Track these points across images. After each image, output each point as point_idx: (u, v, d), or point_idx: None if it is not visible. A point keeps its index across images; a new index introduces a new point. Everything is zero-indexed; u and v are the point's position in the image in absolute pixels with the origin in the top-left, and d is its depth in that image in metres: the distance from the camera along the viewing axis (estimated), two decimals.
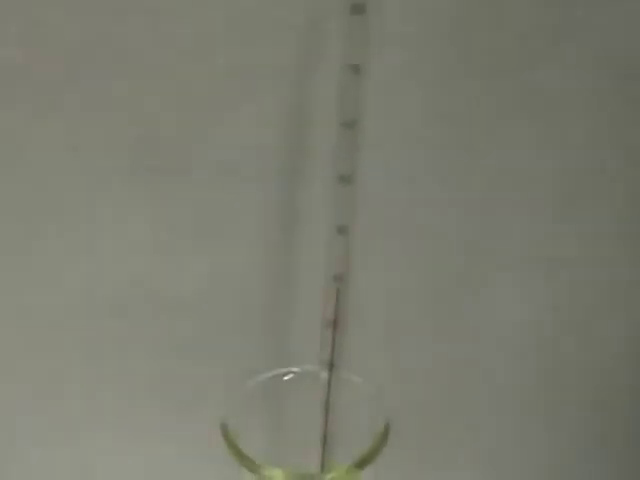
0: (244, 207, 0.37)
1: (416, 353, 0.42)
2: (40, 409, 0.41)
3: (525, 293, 0.42)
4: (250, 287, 0.39)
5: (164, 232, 0.37)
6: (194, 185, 0.37)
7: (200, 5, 0.33)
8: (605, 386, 0.44)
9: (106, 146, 0.35)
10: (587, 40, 0.35)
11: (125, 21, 0.33)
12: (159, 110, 0.35)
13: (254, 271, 0.39)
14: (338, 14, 0.25)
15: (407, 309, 0.41)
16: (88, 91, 0.34)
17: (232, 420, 0.30)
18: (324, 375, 0.31)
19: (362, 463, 0.30)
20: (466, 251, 0.40)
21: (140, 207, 0.37)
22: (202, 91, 0.35)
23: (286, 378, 0.33)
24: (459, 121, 0.37)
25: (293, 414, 0.33)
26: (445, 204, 0.39)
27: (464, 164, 0.37)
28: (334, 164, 0.29)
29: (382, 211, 0.37)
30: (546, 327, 0.42)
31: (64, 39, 0.33)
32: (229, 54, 0.34)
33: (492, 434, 0.45)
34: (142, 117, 0.35)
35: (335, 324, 0.30)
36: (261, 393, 0.32)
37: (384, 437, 0.30)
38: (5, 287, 0.37)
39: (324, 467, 0.33)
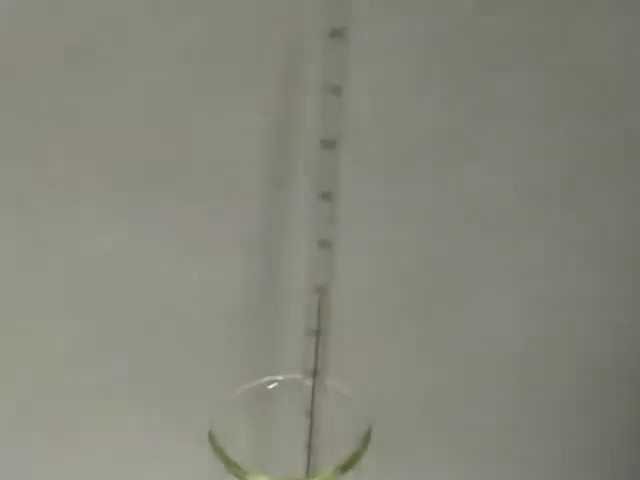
0: (227, 218, 0.37)
1: (398, 360, 0.42)
2: (18, 419, 0.40)
3: (504, 303, 0.42)
4: (233, 297, 0.39)
5: (145, 241, 0.37)
6: (176, 196, 0.37)
7: (184, 22, 0.33)
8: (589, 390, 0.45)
9: (88, 153, 0.35)
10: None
11: (108, 30, 0.33)
12: (142, 122, 0.35)
13: (237, 281, 0.38)
14: (318, 37, 0.26)
15: (389, 317, 0.41)
16: (73, 97, 0.34)
17: (219, 427, 0.31)
18: (308, 383, 0.32)
19: (345, 467, 0.30)
20: (445, 264, 0.40)
21: (119, 217, 0.36)
22: (186, 107, 0.35)
23: (271, 386, 0.33)
24: (440, 134, 0.37)
25: (278, 421, 0.33)
26: (423, 220, 0.39)
27: (443, 182, 0.38)
28: (317, 181, 0.29)
29: (363, 226, 0.38)
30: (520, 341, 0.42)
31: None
32: (212, 70, 0.34)
33: (475, 439, 0.45)
34: (125, 127, 0.35)
35: (318, 333, 0.31)
36: (246, 401, 0.32)
37: (365, 441, 0.31)
38: None
39: (309, 473, 0.33)
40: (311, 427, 0.32)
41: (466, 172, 0.38)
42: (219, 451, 0.30)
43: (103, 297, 0.38)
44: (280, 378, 0.33)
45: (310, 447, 0.32)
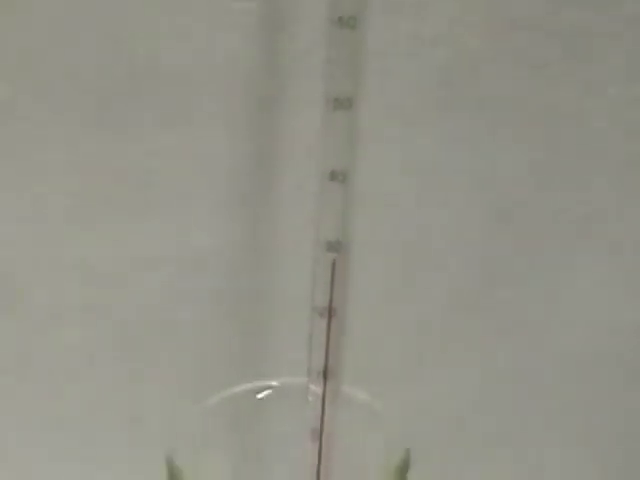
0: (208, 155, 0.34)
1: (441, 359, 0.39)
2: None
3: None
4: (210, 262, 0.36)
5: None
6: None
7: None
8: None
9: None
10: None
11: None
12: None
13: (216, 238, 0.36)
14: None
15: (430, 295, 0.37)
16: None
17: (182, 455, 0.25)
18: (315, 389, 0.26)
19: None
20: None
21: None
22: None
23: (261, 395, 0.28)
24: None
25: (272, 445, 0.29)
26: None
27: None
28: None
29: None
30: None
31: None
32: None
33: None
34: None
35: (330, 314, 0.24)
36: (225, 417, 0.28)
37: (400, 475, 0.26)
38: None
39: None
40: (320, 452, 0.27)
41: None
42: None
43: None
44: (275, 383, 0.28)
45: (318, 478, 0.27)
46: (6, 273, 0.35)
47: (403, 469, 0.25)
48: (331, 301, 0.24)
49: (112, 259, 0.36)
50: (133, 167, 0.34)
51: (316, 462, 0.27)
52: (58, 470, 0.39)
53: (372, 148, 0.27)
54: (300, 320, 0.25)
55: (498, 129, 0.35)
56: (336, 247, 0.23)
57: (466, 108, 0.34)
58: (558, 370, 0.40)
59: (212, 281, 0.36)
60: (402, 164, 0.35)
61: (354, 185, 0.24)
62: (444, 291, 0.37)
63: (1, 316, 0.36)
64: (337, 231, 0.24)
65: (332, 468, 0.27)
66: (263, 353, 0.37)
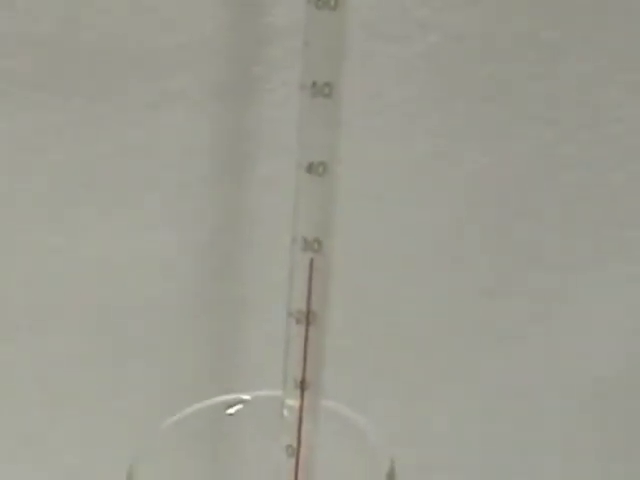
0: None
1: (430, 370, 0.37)
2: None
3: None
4: (178, 264, 0.34)
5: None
6: None
7: None
8: None
9: None
10: None
11: None
12: None
13: (184, 237, 0.34)
14: None
15: (424, 298, 0.36)
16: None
17: (147, 469, 0.24)
18: (291, 403, 0.24)
19: None
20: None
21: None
22: None
23: (232, 410, 0.27)
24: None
25: (243, 465, 0.27)
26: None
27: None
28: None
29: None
30: None
31: None
32: None
33: None
34: None
35: (308, 319, 0.23)
36: (193, 433, 0.26)
37: None
38: None
39: None
40: (296, 473, 0.25)
41: None
42: None
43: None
44: (246, 397, 0.27)
45: None
46: None
47: None
48: (309, 305, 0.22)
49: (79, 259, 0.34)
50: (101, 161, 0.33)
51: (293, 477, 0.25)
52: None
53: (354, 138, 0.26)
54: (276, 324, 0.24)
55: (493, 120, 0.34)
56: (314, 246, 0.22)
57: (456, 96, 0.33)
58: (558, 389, 0.39)
59: (180, 284, 0.35)
60: (386, 156, 0.33)
61: (334, 178, 0.22)
62: (435, 295, 0.36)
63: None
64: (315, 228, 0.22)
65: None
66: (235, 363, 0.36)
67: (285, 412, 0.24)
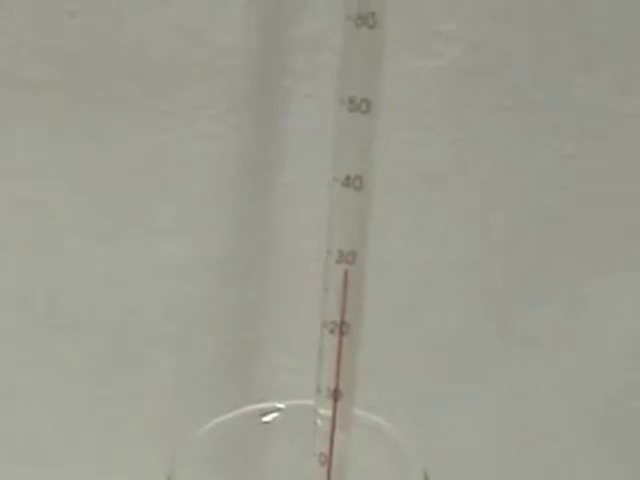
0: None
1: (462, 379, 0.36)
2: None
3: None
4: (210, 271, 0.34)
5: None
6: None
7: None
8: None
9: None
10: None
11: None
12: None
13: (217, 246, 0.33)
14: None
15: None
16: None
17: (184, 476, 0.24)
18: (324, 412, 0.24)
19: None
20: None
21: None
22: None
23: (267, 418, 0.26)
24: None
25: (278, 469, 0.27)
26: None
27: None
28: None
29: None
30: None
31: None
32: None
33: None
34: None
35: (341, 330, 0.22)
36: (229, 440, 0.26)
37: None
38: None
39: None
40: (329, 478, 0.24)
41: None
42: None
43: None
44: (280, 406, 0.27)
45: None
46: None
47: None
48: (343, 316, 0.22)
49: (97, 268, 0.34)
50: (116, 167, 0.32)
51: None
52: None
53: (390, 152, 0.26)
54: (311, 339, 0.24)
55: (520, 132, 0.33)
56: (348, 258, 0.22)
57: (484, 110, 0.33)
58: (582, 396, 0.38)
59: (213, 291, 0.35)
60: (419, 170, 0.33)
61: (370, 191, 0.22)
62: (467, 305, 0.36)
63: None
64: (351, 241, 0.22)
65: None
66: (270, 373, 0.36)
67: (318, 421, 0.24)
